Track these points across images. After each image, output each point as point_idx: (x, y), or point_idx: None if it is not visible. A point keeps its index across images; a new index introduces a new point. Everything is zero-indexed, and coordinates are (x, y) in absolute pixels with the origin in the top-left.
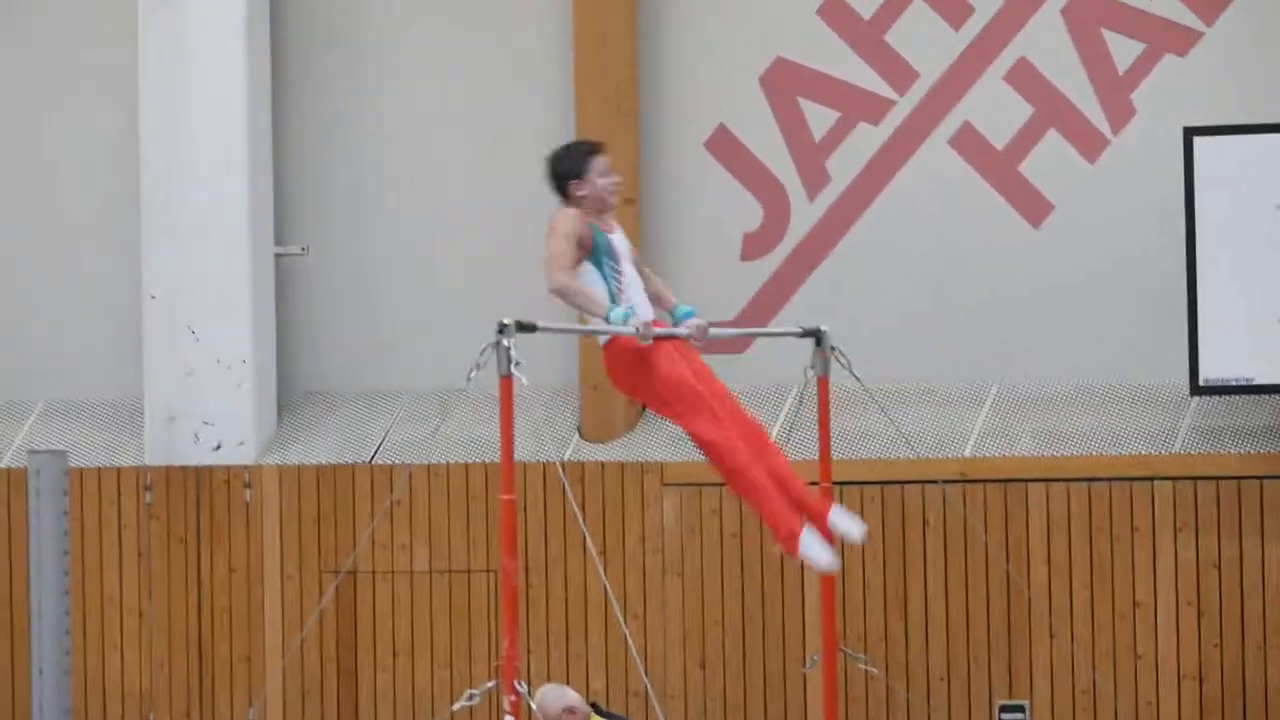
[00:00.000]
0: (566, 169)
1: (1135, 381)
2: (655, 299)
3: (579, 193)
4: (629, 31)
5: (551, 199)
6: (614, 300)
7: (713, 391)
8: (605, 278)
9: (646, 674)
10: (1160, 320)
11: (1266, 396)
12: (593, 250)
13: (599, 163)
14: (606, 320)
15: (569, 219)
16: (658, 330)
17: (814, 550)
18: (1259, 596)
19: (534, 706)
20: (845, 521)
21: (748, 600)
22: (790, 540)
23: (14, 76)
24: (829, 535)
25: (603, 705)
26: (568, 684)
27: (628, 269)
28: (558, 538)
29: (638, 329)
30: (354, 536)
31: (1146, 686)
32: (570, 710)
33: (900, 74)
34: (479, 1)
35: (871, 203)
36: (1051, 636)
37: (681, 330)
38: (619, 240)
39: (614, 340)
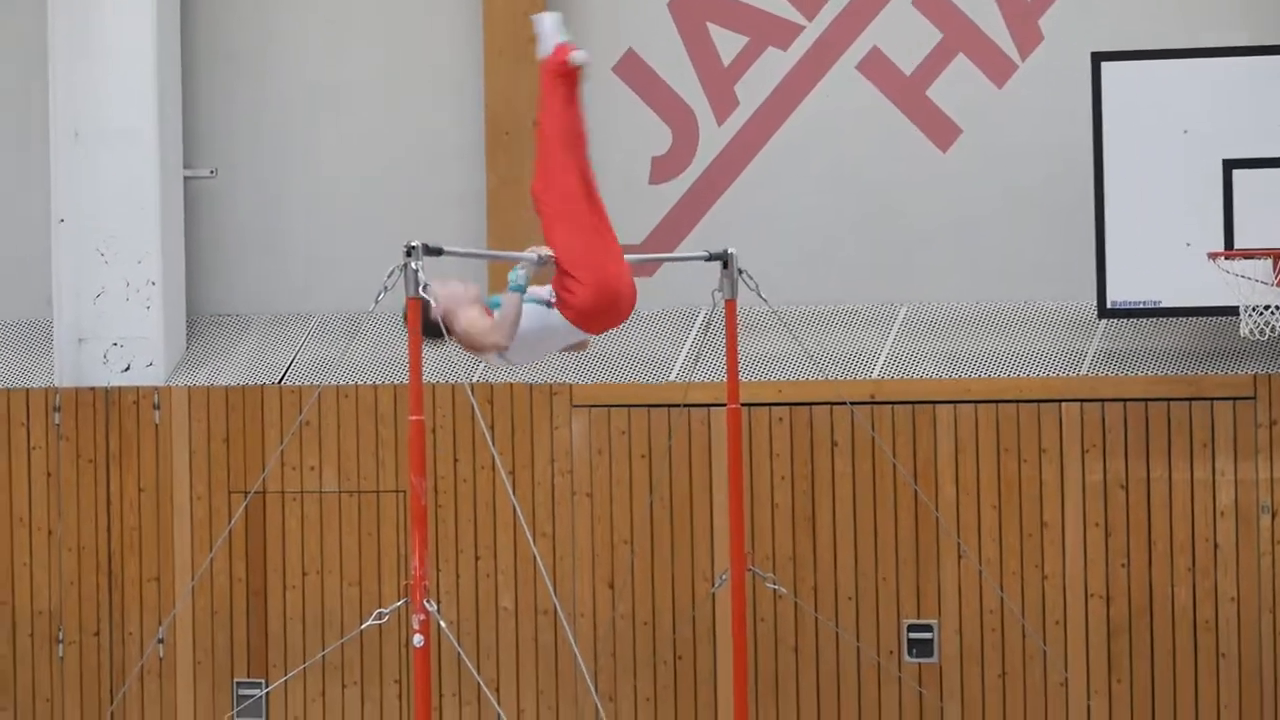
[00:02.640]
0: None
1: (1043, 304)
2: None
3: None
4: None
5: (462, 122)
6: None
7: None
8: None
9: (555, 593)
10: (1068, 243)
11: (1173, 319)
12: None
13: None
14: (518, 289)
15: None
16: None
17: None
18: (1165, 517)
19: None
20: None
21: (656, 520)
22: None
23: None
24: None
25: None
26: (482, 603)
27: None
28: (467, 459)
29: (535, 260)
30: (263, 457)
31: (1054, 605)
32: None
33: None
34: None
35: (780, 127)
36: (959, 557)
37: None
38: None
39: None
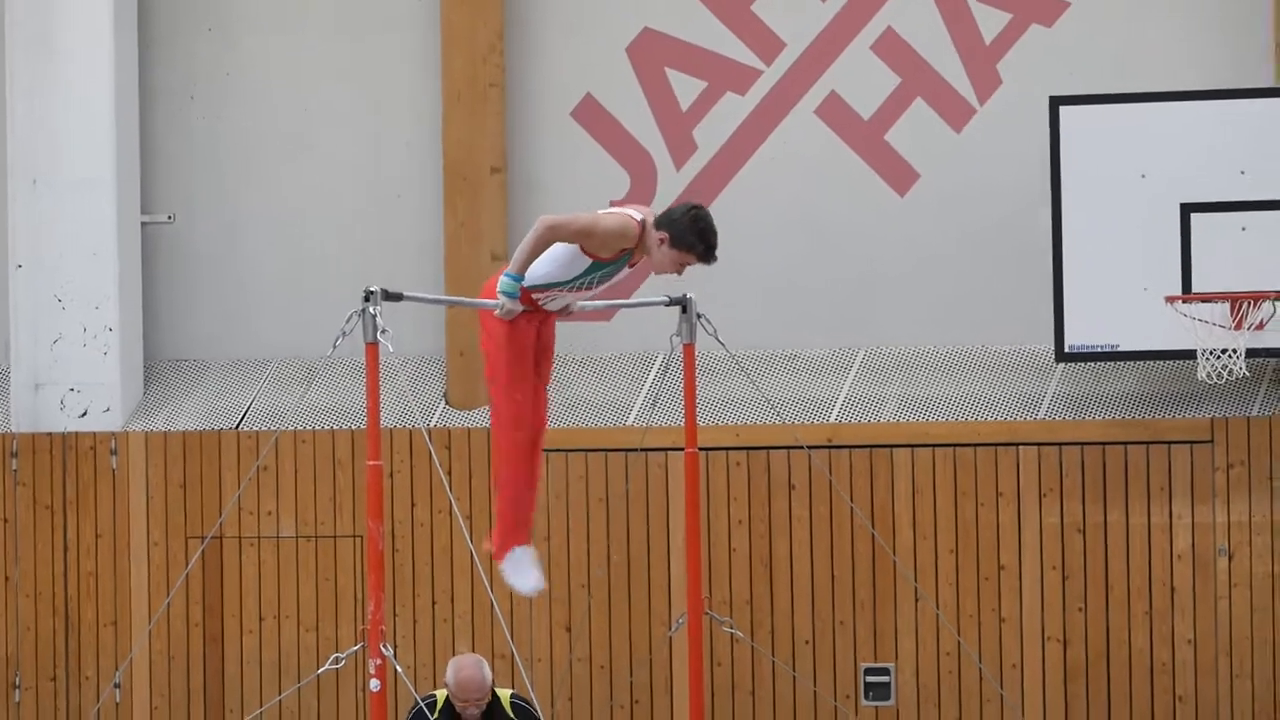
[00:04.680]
0: (683, 227)
1: (1001, 348)
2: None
3: (663, 242)
4: (497, 1)
5: (420, 167)
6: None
7: (539, 374)
8: (572, 275)
9: (512, 637)
10: (1026, 288)
11: (1131, 363)
12: (604, 262)
13: (692, 258)
14: (502, 276)
15: (619, 227)
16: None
17: (521, 570)
18: (1122, 561)
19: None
20: (516, 572)
21: (613, 564)
22: (503, 550)
23: None
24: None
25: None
26: (439, 648)
27: (587, 294)
28: (424, 504)
29: (501, 306)
30: (220, 503)
31: (1011, 649)
32: (464, 687)
33: (767, 44)
34: None
35: (738, 171)
36: (916, 600)
37: (552, 305)
38: (624, 275)
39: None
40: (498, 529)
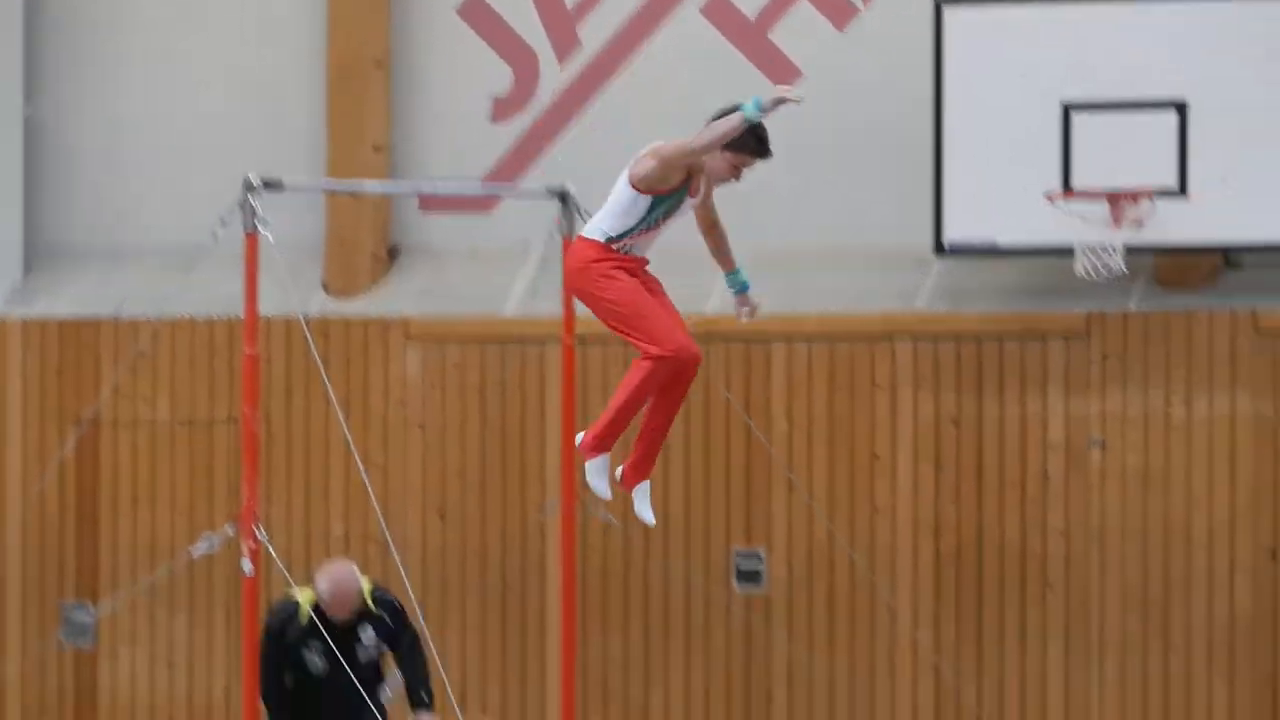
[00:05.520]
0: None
1: (880, 242)
2: (716, 254)
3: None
4: None
5: (294, 60)
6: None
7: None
8: (639, 218)
9: (384, 522)
10: (908, 184)
11: (1007, 258)
12: (664, 195)
13: (748, 161)
14: (745, 119)
15: (678, 156)
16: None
17: (596, 476)
18: (996, 453)
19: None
20: (640, 503)
21: (489, 452)
22: (590, 451)
23: None
24: (620, 482)
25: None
26: (314, 534)
27: (659, 232)
28: (301, 391)
29: (764, 105)
30: (98, 389)
31: (884, 537)
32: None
33: None
34: None
35: (621, 70)
36: (790, 488)
37: (743, 313)
38: (689, 205)
39: (579, 247)
40: (596, 428)
